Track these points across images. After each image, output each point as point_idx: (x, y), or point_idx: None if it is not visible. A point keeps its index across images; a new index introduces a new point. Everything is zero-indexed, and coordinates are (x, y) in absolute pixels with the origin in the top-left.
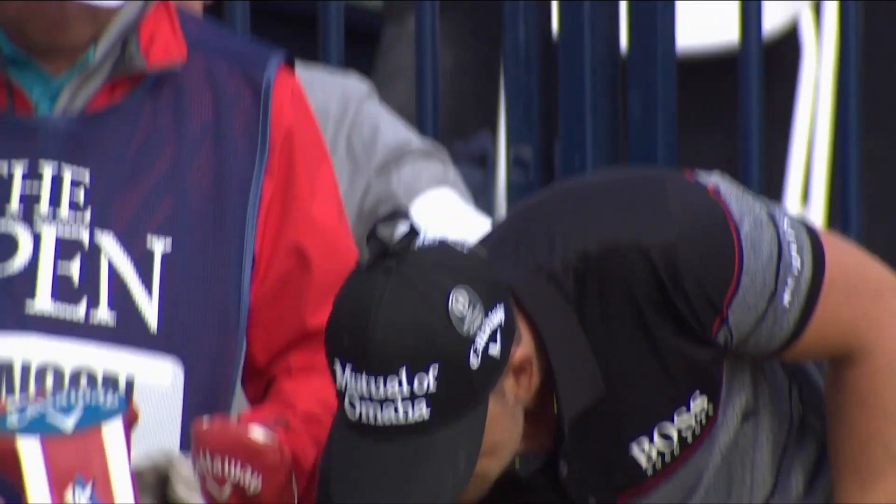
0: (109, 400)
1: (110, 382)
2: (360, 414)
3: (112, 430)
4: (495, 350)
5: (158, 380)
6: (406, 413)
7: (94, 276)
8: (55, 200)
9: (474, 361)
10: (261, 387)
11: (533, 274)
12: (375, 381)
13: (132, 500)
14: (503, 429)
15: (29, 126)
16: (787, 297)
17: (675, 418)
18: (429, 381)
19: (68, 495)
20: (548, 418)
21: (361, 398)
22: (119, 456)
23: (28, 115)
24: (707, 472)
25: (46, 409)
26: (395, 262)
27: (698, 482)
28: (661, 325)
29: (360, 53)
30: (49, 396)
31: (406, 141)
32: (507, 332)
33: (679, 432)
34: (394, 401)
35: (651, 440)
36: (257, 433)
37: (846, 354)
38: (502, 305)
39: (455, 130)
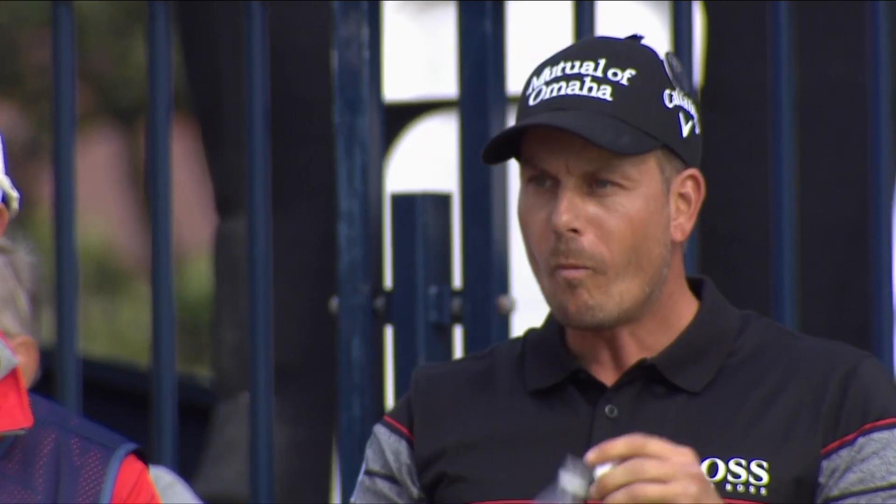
0: None
1: None
2: (542, 96)
3: None
4: (686, 125)
5: None
6: (590, 88)
7: None
8: None
9: (667, 101)
10: None
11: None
12: (572, 65)
13: None
14: (649, 222)
15: None
16: None
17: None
18: (621, 75)
19: None
20: (668, 327)
21: (548, 83)
22: None
23: None
24: None
25: None
26: None
27: None
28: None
29: (193, 430)
30: None
31: None
32: (696, 139)
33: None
34: (582, 76)
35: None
36: None
37: None
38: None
39: None
